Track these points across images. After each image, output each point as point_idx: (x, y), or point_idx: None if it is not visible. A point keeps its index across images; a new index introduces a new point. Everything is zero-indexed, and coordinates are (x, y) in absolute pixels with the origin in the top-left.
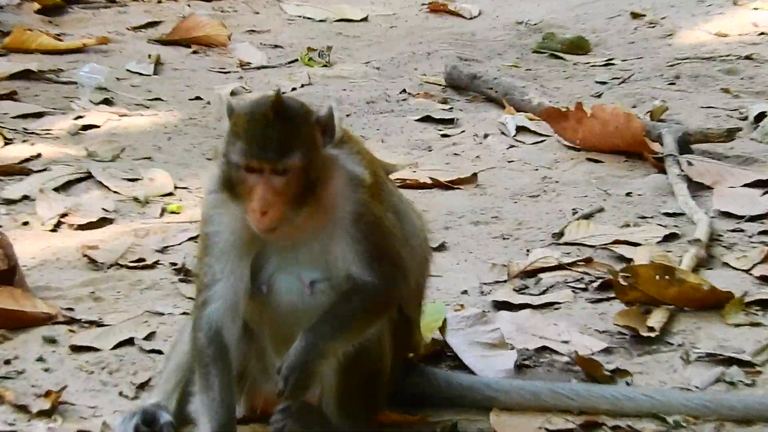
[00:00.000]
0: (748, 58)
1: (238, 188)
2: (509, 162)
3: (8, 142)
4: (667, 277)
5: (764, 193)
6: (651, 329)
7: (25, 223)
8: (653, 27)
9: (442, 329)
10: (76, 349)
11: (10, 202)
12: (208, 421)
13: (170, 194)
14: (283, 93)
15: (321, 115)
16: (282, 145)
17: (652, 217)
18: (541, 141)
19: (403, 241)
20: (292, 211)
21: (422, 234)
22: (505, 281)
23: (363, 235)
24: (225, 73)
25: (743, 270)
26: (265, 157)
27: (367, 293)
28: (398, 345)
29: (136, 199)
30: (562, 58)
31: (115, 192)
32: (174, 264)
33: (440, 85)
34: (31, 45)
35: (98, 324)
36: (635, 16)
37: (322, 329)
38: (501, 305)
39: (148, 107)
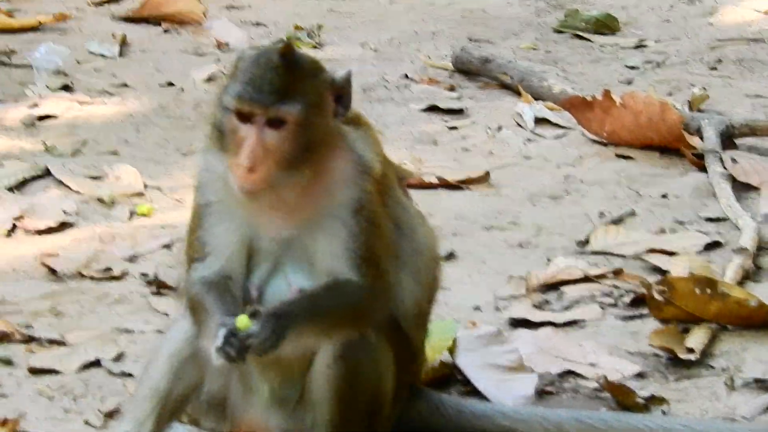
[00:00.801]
0: None
1: (230, 142)
2: (526, 158)
3: None
4: (708, 290)
5: None
6: (690, 351)
7: None
8: (692, 4)
9: (452, 350)
10: (36, 371)
11: None
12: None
13: (139, 194)
14: None
15: (337, 77)
16: (281, 90)
17: (690, 223)
18: (563, 134)
19: (394, 255)
20: (282, 176)
21: (431, 253)
22: (523, 295)
23: (360, 229)
24: (200, 55)
25: None
26: (259, 100)
27: (346, 287)
28: (400, 369)
29: (100, 200)
30: (587, 38)
31: (77, 192)
32: (145, 275)
33: (447, 69)
34: None
35: (60, 343)
36: None
37: (289, 308)
38: (519, 323)
39: (112, 94)
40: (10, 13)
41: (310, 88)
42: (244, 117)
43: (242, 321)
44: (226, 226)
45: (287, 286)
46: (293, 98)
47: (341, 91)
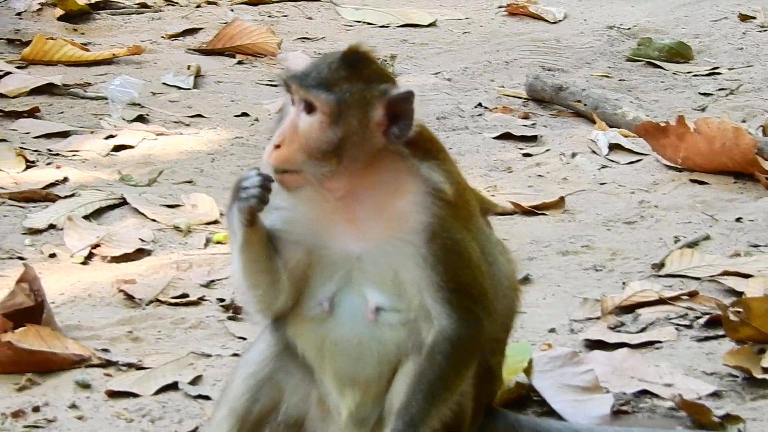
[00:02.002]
0: None
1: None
2: (601, 184)
3: (30, 164)
4: None
5: None
6: (766, 370)
7: (52, 255)
8: (765, 30)
9: (528, 371)
10: (113, 394)
11: (34, 231)
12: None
13: (215, 222)
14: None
15: (393, 92)
16: (323, 80)
17: (765, 246)
18: (638, 160)
19: (490, 276)
20: (309, 166)
21: (510, 282)
22: (598, 318)
23: (438, 259)
24: (274, 86)
25: None
26: (298, 78)
27: (452, 345)
28: (477, 391)
29: (176, 228)
30: (660, 66)
31: (153, 220)
32: (221, 300)
33: (521, 98)
34: (53, 56)
35: (137, 367)
36: (744, 18)
37: (414, 407)
38: (594, 344)
39: (188, 125)
40: (84, 47)
41: (355, 90)
42: (292, 100)
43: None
44: (290, 229)
45: (363, 303)
46: (331, 90)
47: (397, 109)
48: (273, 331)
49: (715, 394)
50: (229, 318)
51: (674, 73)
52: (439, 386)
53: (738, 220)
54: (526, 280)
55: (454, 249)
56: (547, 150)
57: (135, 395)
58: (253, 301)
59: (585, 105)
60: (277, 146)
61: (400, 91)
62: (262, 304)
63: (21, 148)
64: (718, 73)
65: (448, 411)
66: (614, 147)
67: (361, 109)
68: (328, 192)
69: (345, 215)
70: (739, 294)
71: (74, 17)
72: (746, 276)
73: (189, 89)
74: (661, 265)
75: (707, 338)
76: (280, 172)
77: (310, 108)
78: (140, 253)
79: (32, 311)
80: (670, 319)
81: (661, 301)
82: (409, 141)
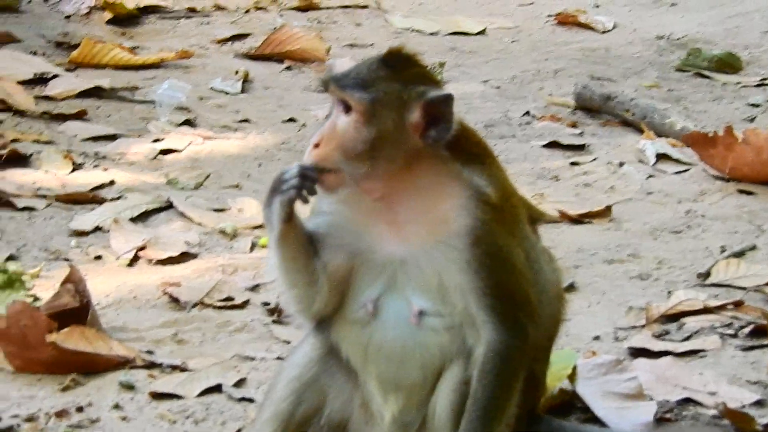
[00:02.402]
0: None
1: None
2: (648, 193)
3: (77, 167)
4: None
5: None
6: None
7: (98, 258)
8: None
9: (572, 378)
10: (157, 396)
11: (80, 233)
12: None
13: (261, 226)
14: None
15: (431, 96)
16: (360, 80)
17: None
18: (685, 170)
19: (534, 283)
20: (346, 165)
21: (555, 290)
22: (642, 326)
23: (481, 264)
24: (322, 92)
25: None
26: (336, 79)
27: (501, 359)
28: (522, 400)
29: (222, 232)
30: (709, 77)
31: (199, 224)
32: (266, 304)
33: (569, 106)
34: (102, 59)
35: (182, 369)
36: None
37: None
38: (638, 352)
39: (235, 130)
40: (133, 50)
41: (391, 90)
42: (331, 101)
43: None
44: (334, 232)
45: (407, 306)
46: (366, 90)
47: (435, 112)
48: (317, 335)
49: (759, 403)
50: (274, 321)
51: (723, 84)
52: (493, 407)
53: None
54: (571, 287)
55: (497, 254)
56: (595, 159)
57: (179, 397)
58: (292, 301)
59: (633, 114)
60: (317, 145)
61: (439, 93)
62: (300, 304)
63: (68, 150)
64: (767, 84)
65: (506, 428)
66: (662, 157)
67: (397, 110)
68: (367, 193)
69: (387, 218)
70: None
71: (123, 21)
72: None
73: (237, 94)
74: (707, 274)
75: (752, 347)
76: (320, 172)
77: (347, 108)
78: (186, 257)
79: (77, 312)
80: (715, 328)
81: (706, 310)
82: (453, 145)
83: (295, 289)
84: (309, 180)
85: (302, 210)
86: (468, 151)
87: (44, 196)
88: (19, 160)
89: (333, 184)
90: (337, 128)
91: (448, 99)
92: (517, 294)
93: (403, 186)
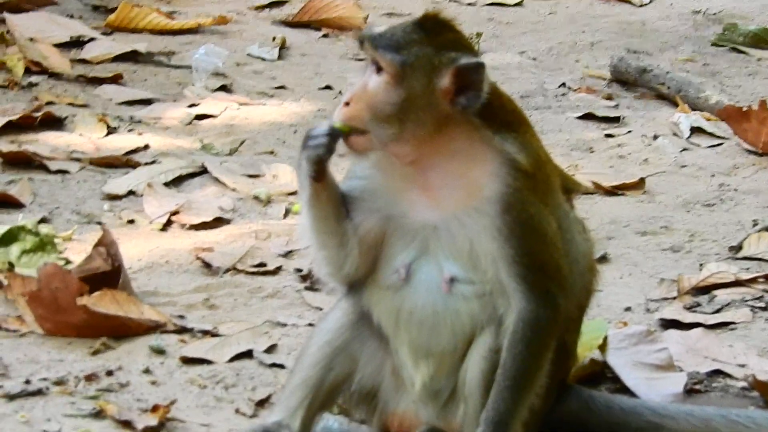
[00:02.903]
0: None
1: None
2: (682, 167)
3: (112, 130)
4: None
5: None
6: None
7: (131, 222)
8: None
9: (602, 348)
10: (188, 361)
11: (113, 197)
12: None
13: (295, 193)
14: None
15: (462, 62)
16: (394, 42)
17: None
18: (719, 144)
19: (566, 253)
20: (374, 127)
21: (587, 261)
22: (674, 298)
23: (512, 231)
24: (359, 60)
25: None
26: (370, 37)
27: (531, 329)
28: (553, 370)
29: (256, 198)
30: (744, 52)
31: (233, 189)
32: (299, 270)
33: (605, 79)
34: (139, 23)
35: (212, 334)
36: None
37: (502, 405)
38: (669, 324)
39: (271, 96)
40: (170, 15)
41: (423, 54)
42: (367, 59)
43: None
44: (367, 197)
45: (439, 272)
46: (398, 52)
47: (466, 79)
48: (349, 300)
49: None
50: (306, 288)
51: (758, 59)
52: (523, 377)
53: None
54: (604, 259)
55: (529, 222)
56: (629, 131)
57: (209, 362)
58: (322, 262)
59: (668, 88)
60: (347, 104)
61: (470, 60)
62: (330, 266)
63: (103, 114)
64: None
65: (536, 399)
66: (696, 130)
67: (427, 74)
68: (396, 157)
69: (420, 184)
70: None
71: None
72: None
73: (273, 61)
74: (739, 247)
75: None
76: (349, 132)
77: (379, 68)
78: (219, 222)
79: (109, 276)
80: (746, 300)
81: (737, 283)
82: (485, 112)
83: (324, 251)
84: (335, 138)
85: (337, 174)
86: (501, 118)
87: (78, 160)
88: (54, 122)
89: (361, 146)
90: (368, 88)
91: (480, 67)
92: (548, 263)
93: (434, 152)
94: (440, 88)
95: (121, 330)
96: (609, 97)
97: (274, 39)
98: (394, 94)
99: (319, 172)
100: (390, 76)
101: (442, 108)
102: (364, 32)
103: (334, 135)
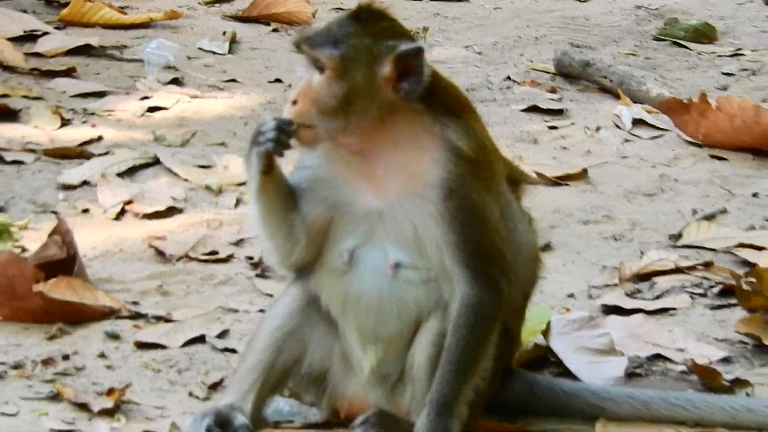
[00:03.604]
0: None
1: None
2: (623, 157)
3: (66, 122)
4: None
5: None
6: None
7: (85, 211)
8: None
9: (546, 333)
10: (142, 345)
11: (68, 187)
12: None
13: (246, 183)
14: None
15: (402, 49)
16: (330, 38)
17: None
18: (660, 135)
19: (509, 240)
20: (321, 121)
21: (530, 251)
22: (615, 285)
23: (455, 217)
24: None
25: None
26: (307, 40)
27: (474, 314)
28: (497, 355)
29: (208, 188)
30: (685, 46)
31: (185, 180)
32: (250, 258)
33: (549, 72)
34: (91, 18)
35: (166, 320)
36: None
37: (447, 387)
38: (610, 309)
39: (222, 89)
40: (122, 10)
41: (361, 45)
42: (305, 59)
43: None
44: (315, 186)
45: (384, 257)
46: (337, 46)
47: (406, 65)
48: (299, 286)
49: (726, 360)
50: (257, 275)
51: (699, 54)
52: (466, 361)
53: (755, 195)
54: (547, 247)
55: (471, 208)
56: (573, 123)
57: (163, 347)
58: (272, 252)
59: (611, 81)
60: (294, 102)
61: (409, 46)
62: (279, 255)
63: (57, 106)
64: (741, 55)
65: (480, 381)
66: (638, 122)
67: (367, 64)
68: (344, 147)
69: (365, 172)
70: (753, 265)
71: None
72: (760, 248)
73: (224, 54)
74: (679, 236)
75: (720, 306)
76: (297, 128)
77: (320, 66)
78: (172, 211)
79: (64, 263)
80: (685, 287)
81: (677, 270)
82: (428, 98)
83: (273, 240)
84: (284, 133)
85: (285, 165)
86: (444, 104)
87: (33, 151)
88: (9, 115)
89: (310, 139)
90: (311, 86)
91: (419, 51)
92: (491, 250)
93: (379, 140)
94: (382, 76)
95: (77, 316)
96: (553, 90)
97: (224, 33)
98: (337, 88)
99: (268, 166)
100: (331, 71)
101: (385, 96)
102: (298, 37)
103: (283, 130)
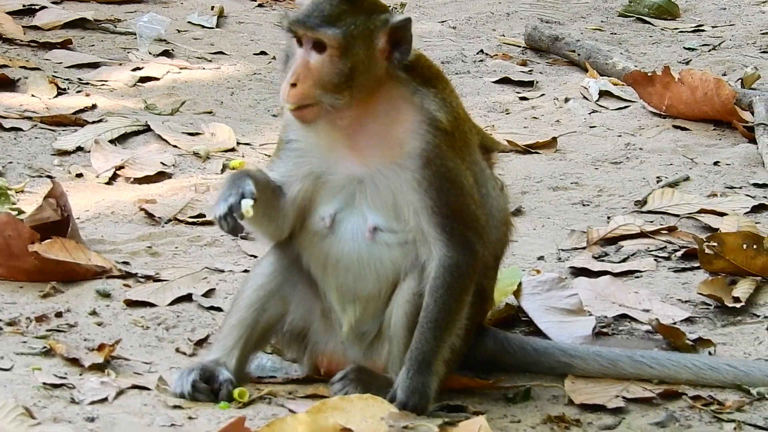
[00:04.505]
0: None
1: (288, 65)
2: (591, 127)
3: (61, 91)
4: (755, 246)
5: None
6: (736, 300)
7: (79, 175)
8: None
9: (517, 293)
10: (132, 303)
11: (63, 153)
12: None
13: (232, 150)
14: None
15: (393, 20)
16: (327, 17)
17: (740, 188)
18: (625, 107)
19: (482, 205)
20: (325, 98)
21: (502, 215)
22: (583, 248)
23: (431, 184)
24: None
25: None
26: (306, 22)
27: (450, 274)
28: (472, 313)
29: (196, 154)
30: (649, 22)
31: (174, 146)
32: None
33: (520, 46)
34: None
35: (155, 279)
36: None
37: (425, 345)
38: (579, 271)
39: (210, 61)
40: None
41: (359, 22)
42: (299, 40)
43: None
44: (301, 160)
45: (363, 222)
46: (337, 25)
47: (398, 36)
48: (281, 247)
49: (689, 320)
50: (242, 237)
51: (662, 29)
52: (444, 319)
53: (716, 163)
54: (518, 211)
55: (447, 175)
56: (542, 95)
57: (151, 305)
58: (264, 239)
59: (578, 55)
60: (294, 85)
61: (400, 18)
62: (269, 238)
63: (53, 76)
64: (703, 30)
65: (456, 339)
66: (604, 94)
67: (366, 40)
68: (337, 121)
69: (348, 144)
70: (715, 230)
71: None
72: (721, 214)
73: (212, 28)
74: (644, 202)
75: (683, 269)
76: (298, 108)
77: (319, 46)
78: (161, 176)
79: (59, 225)
80: (650, 251)
81: (642, 235)
82: (409, 67)
83: (266, 235)
84: (235, 219)
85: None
86: (422, 75)
87: (30, 118)
88: (7, 84)
89: (311, 117)
90: (310, 66)
91: (408, 22)
92: (466, 214)
93: (366, 112)
94: (378, 48)
95: (70, 275)
96: (524, 63)
97: (212, 8)
98: (341, 65)
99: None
100: (335, 49)
101: (380, 66)
102: (291, 19)
103: (232, 217)
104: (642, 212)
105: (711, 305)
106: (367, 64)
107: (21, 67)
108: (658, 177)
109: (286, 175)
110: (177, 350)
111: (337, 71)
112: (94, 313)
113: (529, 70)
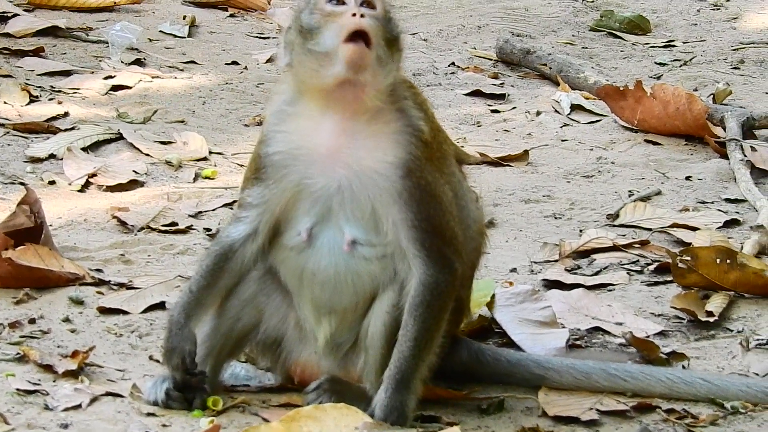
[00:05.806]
0: None
1: (323, 35)
2: (563, 141)
3: (34, 99)
4: (728, 261)
5: None
6: (710, 314)
7: (52, 183)
8: (717, 9)
9: (490, 305)
10: (105, 311)
11: (35, 160)
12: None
13: (204, 159)
14: None
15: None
16: None
17: (712, 203)
18: (597, 120)
19: (460, 220)
20: (377, 65)
21: (477, 226)
22: (556, 261)
23: (412, 196)
24: (263, 38)
25: None
26: None
27: (430, 293)
28: (449, 326)
29: (168, 163)
30: (620, 37)
31: (147, 154)
32: (208, 230)
33: (491, 59)
34: (59, 1)
35: (128, 287)
36: None
37: (404, 363)
38: (552, 284)
39: (182, 70)
40: None
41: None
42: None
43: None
44: (284, 171)
45: (341, 235)
46: None
47: (397, 38)
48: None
49: (663, 334)
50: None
51: (633, 44)
52: (423, 338)
53: (687, 178)
54: (491, 224)
55: (427, 188)
56: (514, 107)
57: (125, 312)
58: None
59: (550, 68)
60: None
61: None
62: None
63: (26, 83)
64: (674, 46)
65: (434, 357)
66: (576, 107)
67: (390, 26)
68: (350, 101)
69: (332, 146)
70: (687, 245)
71: None
72: (693, 229)
73: (184, 38)
74: (616, 215)
75: (656, 283)
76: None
77: (370, 3)
78: (134, 184)
79: (32, 231)
80: (623, 264)
81: (614, 248)
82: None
83: None
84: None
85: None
86: (403, 83)
87: (2, 125)
88: None
89: (365, 59)
90: (368, 17)
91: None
92: (445, 229)
93: (363, 107)
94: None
95: (43, 282)
96: (495, 76)
97: (184, 17)
98: (386, 31)
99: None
100: (383, 10)
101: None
102: None
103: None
104: (614, 226)
105: (684, 319)
106: (399, 47)
107: None
108: (629, 191)
109: (265, 198)
110: (150, 358)
111: (386, 37)
112: (67, 320)
113: (501, 83)
